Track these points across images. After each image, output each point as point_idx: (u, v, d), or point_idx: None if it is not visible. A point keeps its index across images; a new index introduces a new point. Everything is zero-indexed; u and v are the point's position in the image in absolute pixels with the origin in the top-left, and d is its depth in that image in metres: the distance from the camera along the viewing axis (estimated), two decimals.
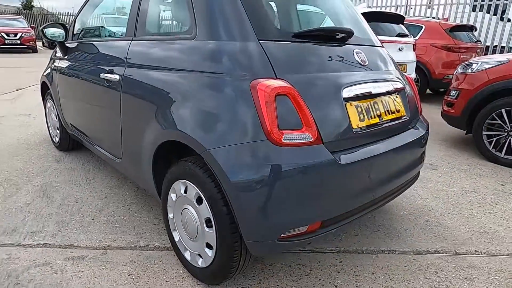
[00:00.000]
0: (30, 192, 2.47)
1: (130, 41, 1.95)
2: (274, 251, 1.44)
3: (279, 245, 1.35)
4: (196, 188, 1.47)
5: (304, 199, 1.32)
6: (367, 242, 2.03)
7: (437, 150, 3.76)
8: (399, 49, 4.77)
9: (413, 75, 5.16)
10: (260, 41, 1.40)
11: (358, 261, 1.85)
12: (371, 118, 1.59)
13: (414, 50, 5.21)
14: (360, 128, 1.52)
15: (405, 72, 4.93)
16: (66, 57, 2.69)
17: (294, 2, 2.03)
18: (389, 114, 1.71)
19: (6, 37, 13.85)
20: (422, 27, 6.78)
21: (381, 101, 1.68)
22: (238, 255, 1.42)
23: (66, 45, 2.70)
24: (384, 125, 1.65)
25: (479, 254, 1.96)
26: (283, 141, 1.27)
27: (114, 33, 2.36)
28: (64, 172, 2.83)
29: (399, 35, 4.94)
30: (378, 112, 1.64)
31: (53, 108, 3.17)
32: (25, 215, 2.15)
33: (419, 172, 2.04)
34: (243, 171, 1.28)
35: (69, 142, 3.11)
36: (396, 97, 1.81)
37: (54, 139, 3.36)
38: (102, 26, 2.56)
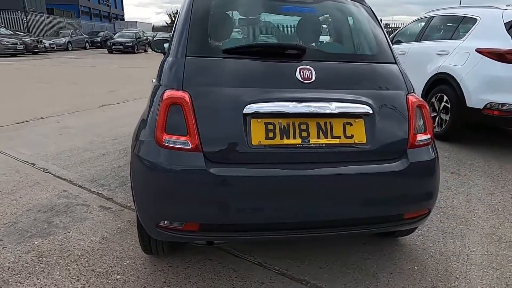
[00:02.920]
0: (128, 159, 3.44)
1: None
2: (160, 236, 1.60)
3: (160, 233, 1.55)
4: None
5: (174, 197, 1.46)
6: (327, 278, 1.83)
7: None
8: None
9: None
10: (187, 57, 1.62)
11: None
12: (288, 138, 1.50)
13: None
14: (264, 145, 1.48)
15: None
16: None
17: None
18: (328, 138, 1.53)
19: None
20: None
21: (316, 122, 1.53)
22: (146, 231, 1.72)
23: None
24: (313, 149, 1.51)
25: None
26: (163, 143, 1.47)
27: None
28: None
29: None
30: (304, 134, 1.52)
31: None
32: (109, 173, 3.08)
33: (402, 215, 1.64)
34: (137, 162, 1.57)
35: None
36: (354, 121, 1.57)
37: None
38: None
